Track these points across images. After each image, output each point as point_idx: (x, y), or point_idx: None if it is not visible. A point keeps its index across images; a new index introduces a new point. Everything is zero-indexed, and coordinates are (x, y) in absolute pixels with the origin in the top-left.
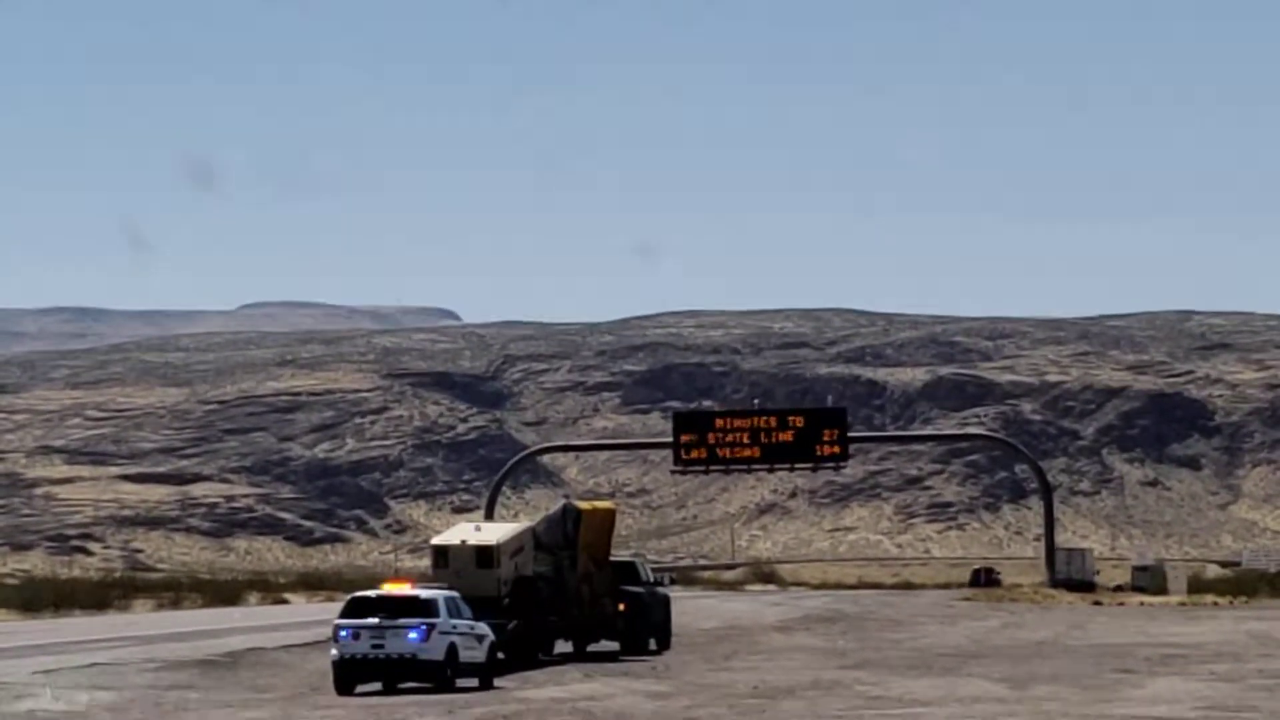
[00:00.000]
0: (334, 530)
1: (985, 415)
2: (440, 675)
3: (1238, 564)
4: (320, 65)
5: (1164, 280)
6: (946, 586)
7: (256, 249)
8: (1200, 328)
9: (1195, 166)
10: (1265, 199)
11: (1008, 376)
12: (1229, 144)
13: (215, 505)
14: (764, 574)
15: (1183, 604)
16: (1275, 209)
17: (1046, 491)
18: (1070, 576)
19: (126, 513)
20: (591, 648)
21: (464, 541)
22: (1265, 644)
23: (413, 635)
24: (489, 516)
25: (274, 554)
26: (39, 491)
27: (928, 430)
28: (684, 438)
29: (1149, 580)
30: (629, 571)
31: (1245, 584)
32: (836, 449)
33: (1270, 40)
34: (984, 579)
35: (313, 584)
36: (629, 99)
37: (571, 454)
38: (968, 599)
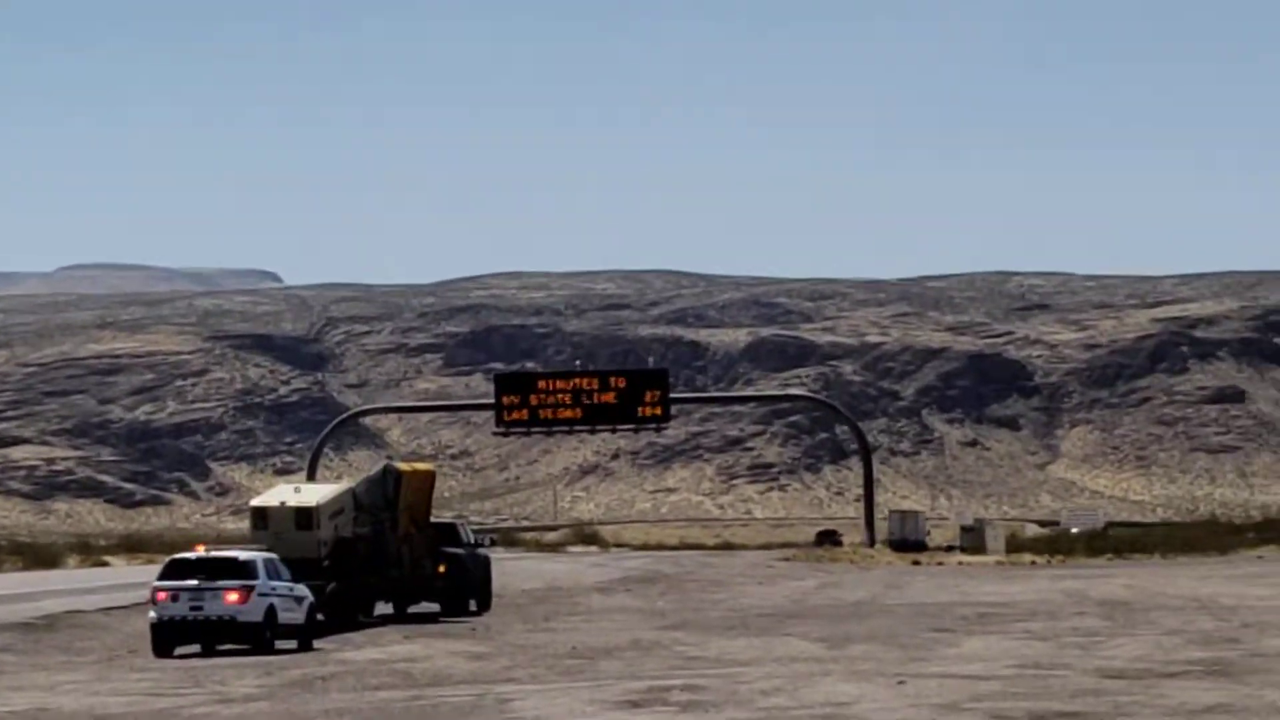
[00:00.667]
0: (155, 493)
1: (806, 376)
2: (259, 637)
3: (1056, 524)
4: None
5: (984, 241)
6: (767, 547)
7: (75, 210)
8: (1020, 289)
9: (1016, 125)
10: (1083, 158)
11: (828, 338)
12: (1053, 101)
13: (35, 468)
14: (586, 535)
15: (1001, 563)
16: (1092, 168)
17: (866, 452)
18: (904, 537)
19: None
20: (412, 609)
21: (283, 503)
22: (1080, 602)
23: (231, 597)
24: (311, 478)
25: (95, 517)
26: None
27: (749, 391)
28: (506, 399)
29: (973, 540)
30: (450, 533)
31: (1062, 543)
32: (658, 410)
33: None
34: (828, 540)
35: (134, 546)
36: (458, 53)
37: (394, 416)
38: (787, 559)
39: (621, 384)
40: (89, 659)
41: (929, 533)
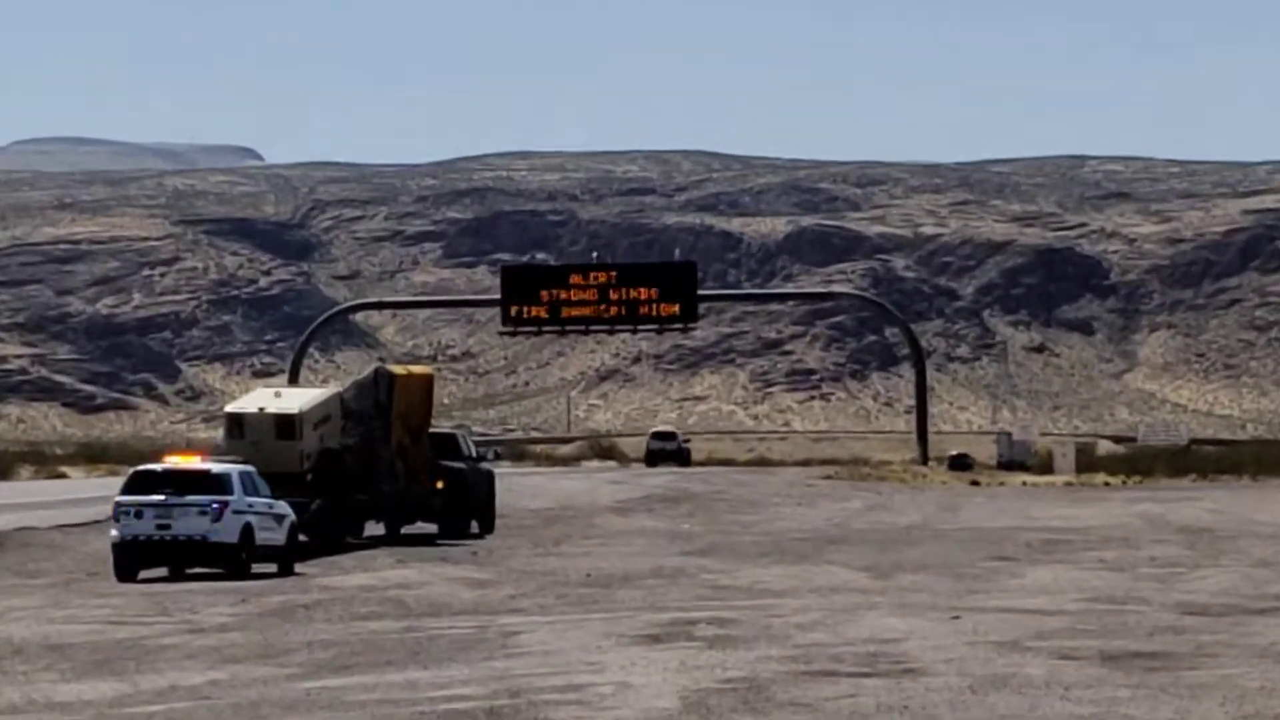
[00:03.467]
0: (119, 396)
1: (853, 272)
2: (234, 559)
3: (1133, 440)
4: None
5: (1055, 121)
6: (807, 464)
7: (31, 79)
8: (1094, 175)
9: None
10: (1167, 30)
11: (878, 228)
12: None
13: None
14: (603, 448)
15: (1070, 484)
16: (1177, 41)
17: (919, 358)
18: (1013, 459)
19: None
20: (406, 530)
21: (262, 409)
22: (1159, 528)
23: (203, 514)
24: (293, 381)
25: (50, 422)
26: None
27: (788, 288)
28: (514, 295)
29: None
30: (449, 445)
31: (1140, 462)
32: (685, 308)
33: None
34: (961, 464)
35: (94, 456)
36: None
37: (388, 312)
38: (829, 478)
39: (644, 278)
40: (42, 582)
41: (1037, 453)
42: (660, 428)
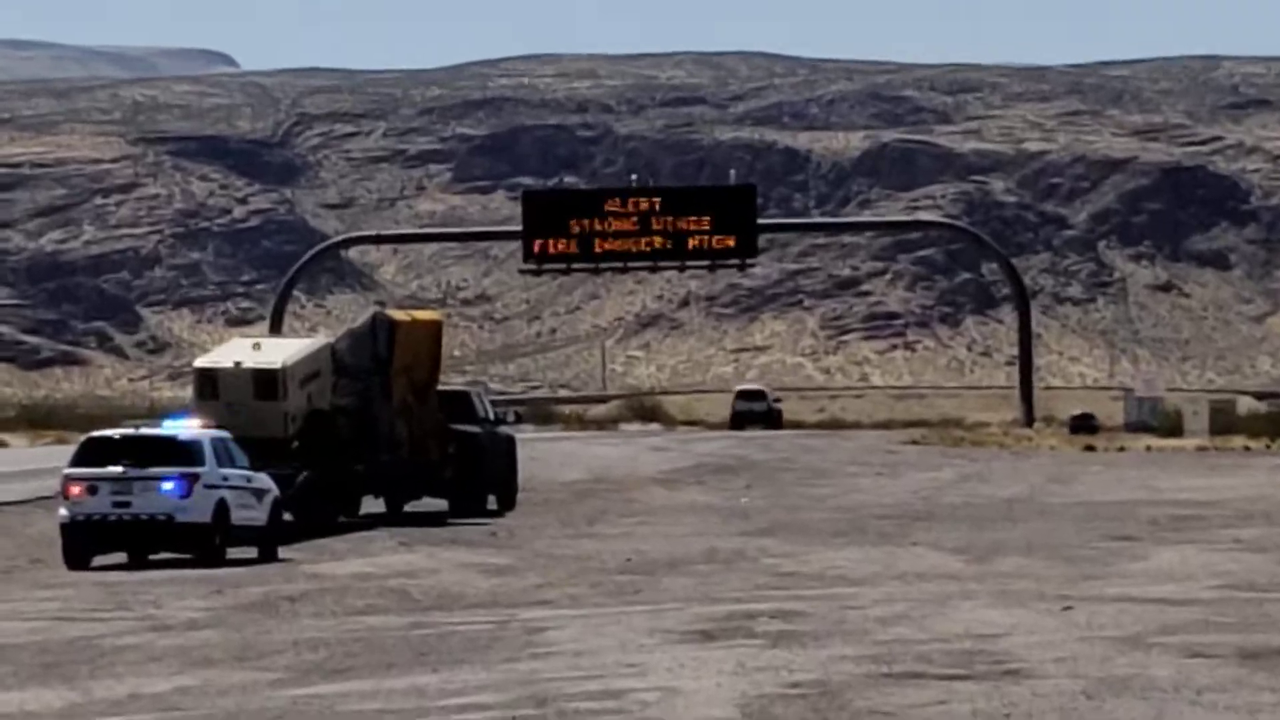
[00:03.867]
0: (67, 349)
1: (942, 196)
2: (206, 542)
3: (1278, 396)
4: None
5: (1183, 16)
6: (888, 426)
7: None
8: (1230, 79)
9: None
10: None
11: (972, 144)
12: None
13: None
14: (644, 409)
15: (1203, 449)
16: None
17: (1022, 299)
18: (1142, 419)
19: None
20: (410, 506)
21: (239, 364)
22: None
23: (169, 489)
24: (275, 331)
25: None
26: None
27: (865, 216)
28: (538, 226)
29: (1152, 417)
30: (462, 405)
31: None
32: (742, 241)
33: None
34: (1085, 426)
35: (39, 421)
36: None
37: (387, 247)
38: (915, 442)
39: (693, 205)
40: None
41: (1162, 406)
42: (747, 385)
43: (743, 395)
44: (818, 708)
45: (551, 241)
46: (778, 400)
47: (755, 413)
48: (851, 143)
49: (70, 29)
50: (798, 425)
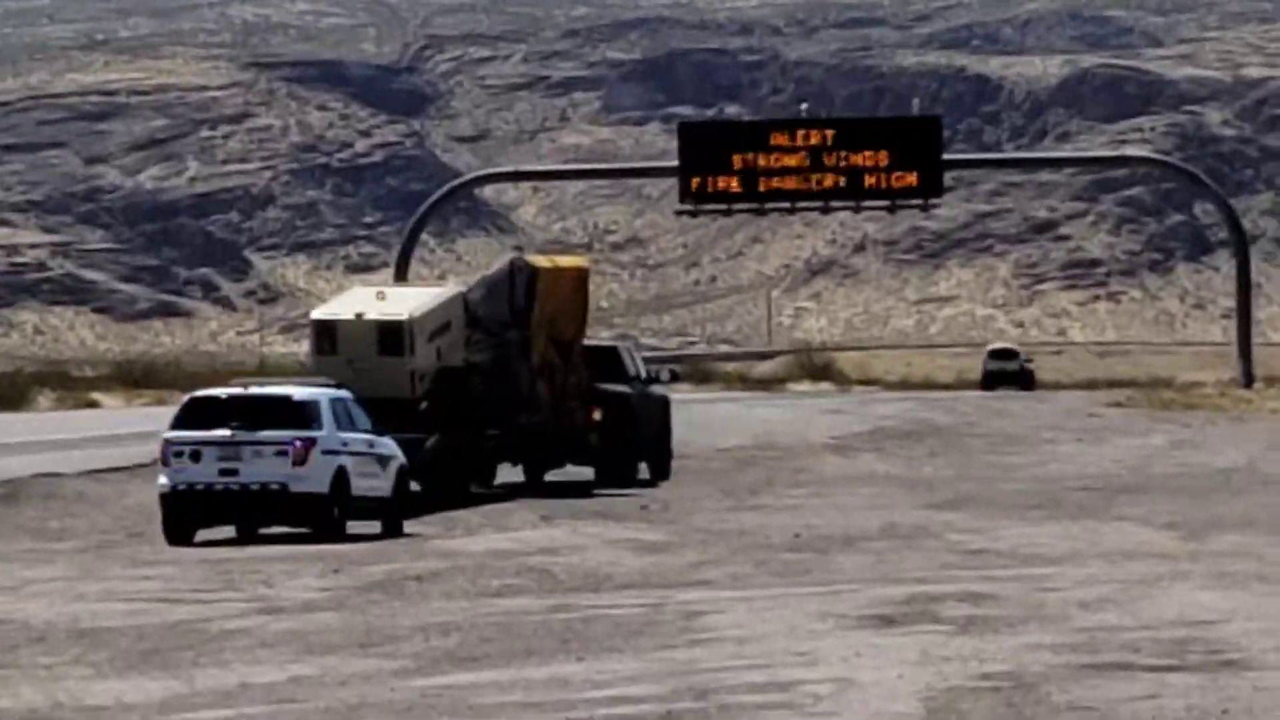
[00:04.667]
0: (168, 299)
1: (1152, 129)
2: (323, 515)
3: None
4: None
5: None
6: (1091, 387)
7: None
8: None
9: None
10: None
11: (1186, 70)
12: None
13: None
14: (815, 366)
15: None
16: None
17: (1242, 244)
18: None
19: None
20: (552, 476)
21: (361, 315)
22: None
23: (281, 455)
24: (401, 279)
25: (78, 334)
26: None
27: (1065, 151)
28: (696, 162)
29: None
30: (611, 363)
31: None
32: (926, 179)
33: None
34: None
35: (136, 379)
36: None
37: (526, 186)
38: (1120, 405)
39: (871, 139)
40: (69, 546)
41: None
42: (999, 345)
43: (995, 355)
44: (1012, 702)
45: (711, 179)
46: (1029, 360)
47: (1007, 372)
48: (1049, 69)
49: None
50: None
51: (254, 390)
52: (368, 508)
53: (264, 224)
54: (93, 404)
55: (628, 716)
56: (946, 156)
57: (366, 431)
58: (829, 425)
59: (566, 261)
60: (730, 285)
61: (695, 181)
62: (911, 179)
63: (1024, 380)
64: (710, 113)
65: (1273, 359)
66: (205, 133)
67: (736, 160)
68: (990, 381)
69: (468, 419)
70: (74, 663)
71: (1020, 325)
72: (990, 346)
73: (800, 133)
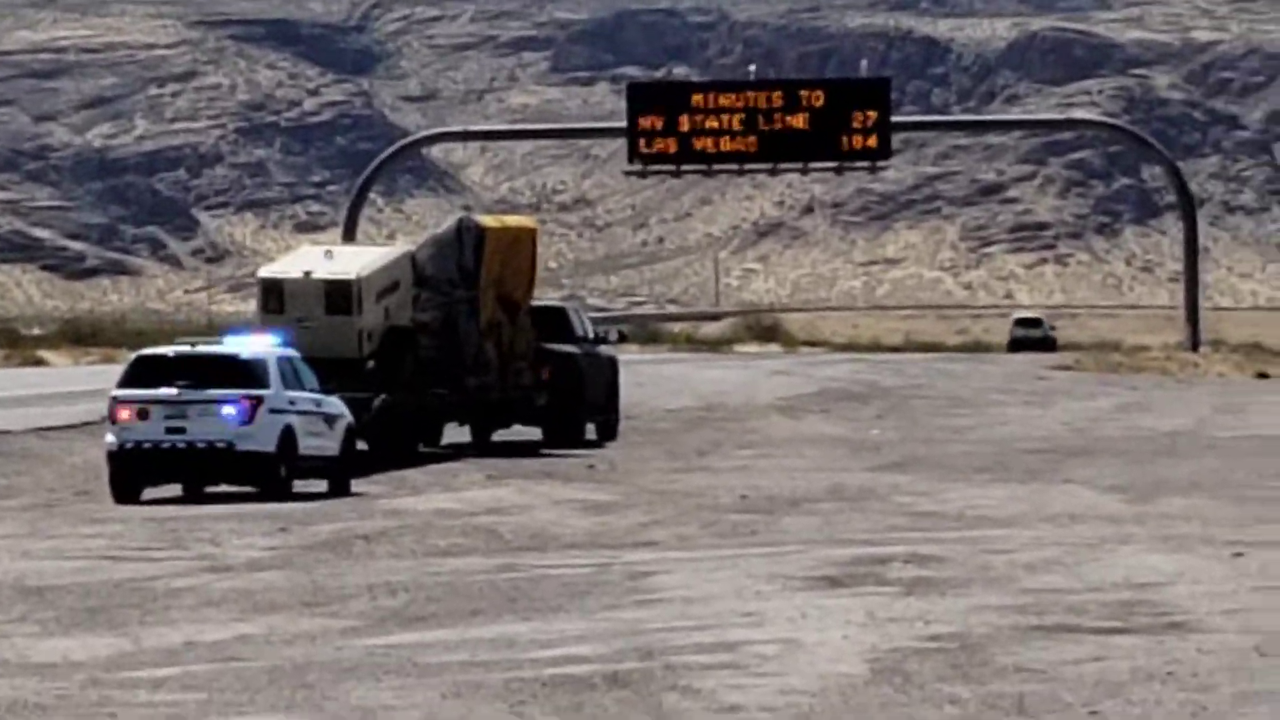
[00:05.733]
0: (115, 256)
1: (1099, 92)
2: (270, 474)
3: None
4: None
5: None
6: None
7: None
8: None
9: None
10: None
11: (1133, 34)
12: None
13: None
14: (762, 328)
15: None
16: None
17: (1189, 208)
18: None
19: None
20: (499, 435)
21: (308, 273)
22: None
23: (228, 413)
24: (349, 238)
25: (25, 291)
26: None
27: (1013, 114)
28: (645, 122)
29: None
30: (558, 323)
31: None
32: (874, 141)
33: None
34: None
35: (83, 337)
36: None
37: (475, 146)
38: (1069, 368)
39: (819, 101)
40: (16, 504)
41: None
42: (1024, 313)
43: (1020, 322)
44: (957, 663)
45: (659, 140)
46: (1054, 327)
47: (1032, 339)
48: (998, 31)
49: None
50: (934, 348)
51: (201, 349)
52: (315, 467)
53: (212, 182)
54: (40, 361)
55: (574, 676)
56: (895, 119)
57: (314, 390)
58: (776, 386)
59: (515, 221)
60: (678, 246)
61: (643, 142)
62: (859, 141)
63: (1049, 346)
64: (659, 74)
65: (1219, 323)
66: (154, 91)
67: (685, 121)
68: (1016, 346)
69: (415, 378)
70: (20, 620)
71: (967, 287)
72: (1016, 315)
73: (749, 94)
